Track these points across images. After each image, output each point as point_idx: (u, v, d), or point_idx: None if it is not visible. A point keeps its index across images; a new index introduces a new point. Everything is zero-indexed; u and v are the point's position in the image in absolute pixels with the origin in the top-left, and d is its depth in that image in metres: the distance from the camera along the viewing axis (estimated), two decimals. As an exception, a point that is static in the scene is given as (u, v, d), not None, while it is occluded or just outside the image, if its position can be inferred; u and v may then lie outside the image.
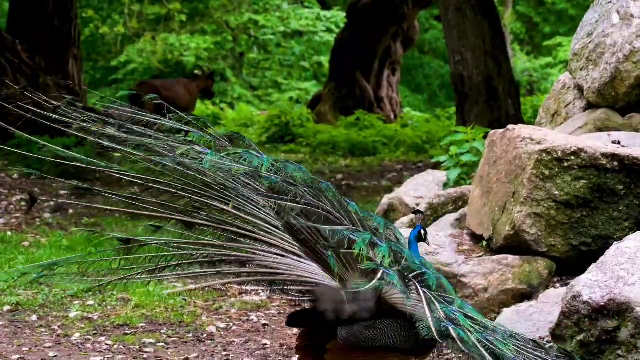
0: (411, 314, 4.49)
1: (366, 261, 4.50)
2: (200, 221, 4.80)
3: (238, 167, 4.77)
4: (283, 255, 4.70)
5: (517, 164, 6.44)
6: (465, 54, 16.27)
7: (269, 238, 4.74)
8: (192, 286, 5.16)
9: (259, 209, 4.75)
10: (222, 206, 4.78)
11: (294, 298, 4.81)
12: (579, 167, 6.29)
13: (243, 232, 4.76)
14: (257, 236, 4.75)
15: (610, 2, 7.86)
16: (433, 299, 4.49)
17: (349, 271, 4.58)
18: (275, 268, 4.72)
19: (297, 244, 4.67)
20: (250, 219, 4.75)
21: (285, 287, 4.75)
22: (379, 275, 4.47)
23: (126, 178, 4.84)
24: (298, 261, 4.68)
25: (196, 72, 19.38)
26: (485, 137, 7.56)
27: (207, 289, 5.36)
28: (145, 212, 4.85)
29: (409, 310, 4.49)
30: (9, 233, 9.92)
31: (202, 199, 4.80)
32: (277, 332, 6.98)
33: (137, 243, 4.81)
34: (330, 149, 20.34)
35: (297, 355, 4.85)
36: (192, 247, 4.77)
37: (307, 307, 4.82)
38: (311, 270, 4.65)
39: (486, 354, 4.37)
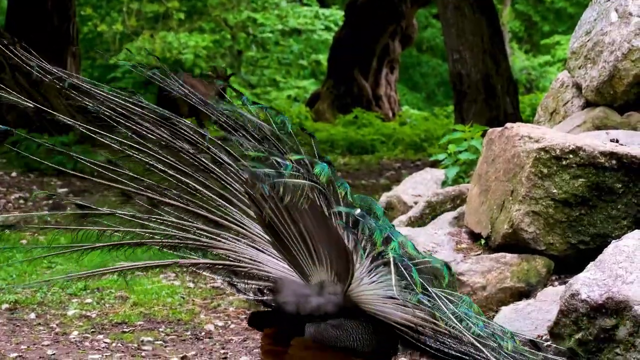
0: (374, 312, 4.37)
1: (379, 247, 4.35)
2: (169, 200, 4.67)
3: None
4: (251, 246, 4.55)
5: (515, 162, 6.44)
6: (464, 52, 16.27)
7: (238, 225, 4.59)
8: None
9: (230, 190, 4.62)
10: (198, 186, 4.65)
11: (252, 298, 4.64)
12: (577, 165, 6.29)
13: (211, 216, 4.62)
14: (226, 222, 4.60)
15: (609, 0, 7.86)
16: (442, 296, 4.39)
17: (315, 265, 4.39)
18: (239, 258, 4.57)
19: (266, 235, 4.46)
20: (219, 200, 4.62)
21: (248, 281, 4.61)
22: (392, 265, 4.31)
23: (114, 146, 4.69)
24: (263, 252, 4.53)
25: (209, 72, 19.50)
26: (483, 135, 7.56)
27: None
28: (114, 184, 4.72)
29: (372, 309, 4.37)
30: (6, 231, 9.90)
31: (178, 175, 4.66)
32: (275, 330, 6.97)
33: (94, 211, 4.71)
34: (328, 147, 20.34)
35: (262, 358, 4.70)
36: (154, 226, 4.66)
37: (268, 307, 4.65)
38: (276, 264, 4.50)
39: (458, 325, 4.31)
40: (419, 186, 9.38)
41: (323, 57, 32.23)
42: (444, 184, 9.14)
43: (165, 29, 32.69)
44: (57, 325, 7.01)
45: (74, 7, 18.81)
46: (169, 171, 4.69)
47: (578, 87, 8.04)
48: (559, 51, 32.42)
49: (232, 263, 4.61)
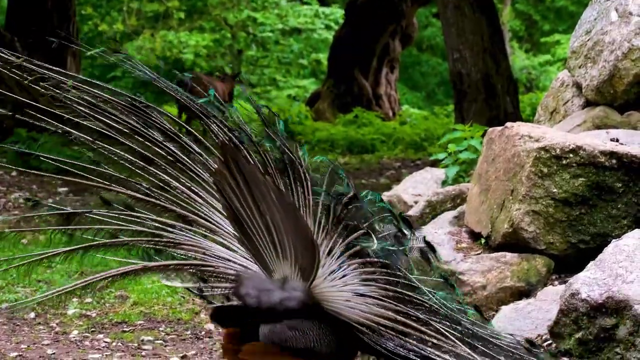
0: (336, 311, 4.24)
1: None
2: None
3: None
4: (219, 243, 4.42)
5: (515, 162, 6.44)
6: (464, 51, 16.27)
7: (207, 220, 4.46)
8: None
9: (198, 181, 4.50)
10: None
11: (220, 305, 4.48)
12: (577, 164, 6.29)
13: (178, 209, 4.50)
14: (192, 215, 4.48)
15: (609, -1, 7.87)
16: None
17: (280, 260, 4.23)
18: (207, 256, 4.43)
19: (233, 229, 4.32)
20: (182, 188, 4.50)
21: (216, 285, 4.47)
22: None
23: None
24: (231, 249, 4.40)
25: (217, 73, 19.76)
26: (483, 134, 7.56)
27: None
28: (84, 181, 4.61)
29: (334, 307, 4.24)
30: (7, 230, 9.89)
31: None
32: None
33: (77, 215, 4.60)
34: (328, 147, 20.34)
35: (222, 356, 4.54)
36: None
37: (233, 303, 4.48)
38: (242, 260, 4.36)
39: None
40: (419, 185, 9.38)
41: (323, 56, 32.24)
42: (444, 183, 9.14)
43: (166, 28, 32.71)
44: (57, 324, 7.01)
45: (73, 6, 18.82)
46: (139, 162, 4.55)
47: (578, 86, 8.04)
48: (559, 50, 32.43)
49: (201, 263, 4.47)
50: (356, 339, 4.31)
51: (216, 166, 4.12)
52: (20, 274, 4.79)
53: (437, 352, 4.24)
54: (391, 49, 25.69)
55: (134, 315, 7.22)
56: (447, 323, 4.30)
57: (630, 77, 7.47)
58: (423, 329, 4.27)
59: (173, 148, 4.54)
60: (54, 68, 4.63)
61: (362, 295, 4.27)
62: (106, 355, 6.33)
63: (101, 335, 6.75)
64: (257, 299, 4.21)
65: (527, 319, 5.77)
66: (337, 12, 32.98)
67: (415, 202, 8.67)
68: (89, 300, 7.59)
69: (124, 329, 6.94)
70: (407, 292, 4.30)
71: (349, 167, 17.54)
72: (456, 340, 4.26)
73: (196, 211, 4.51)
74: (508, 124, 6.72)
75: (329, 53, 26.88)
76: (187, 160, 4.54)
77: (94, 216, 4.59)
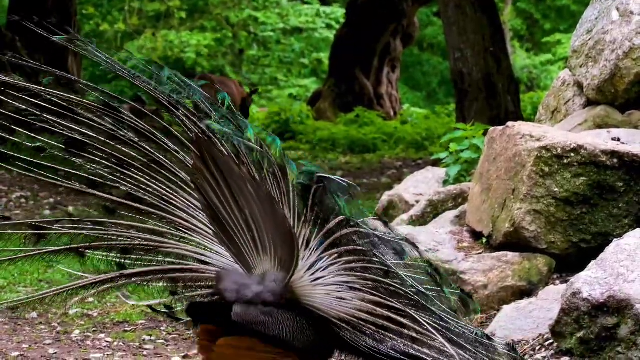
0: (315, 307, 4.15)
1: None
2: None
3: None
4: (198, 243, 4.31)
5: (516, 161, 6.44)
6: (465, 50, 16.27)
7: (185, 220, 4.32)
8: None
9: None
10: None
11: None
12: (578, 164, 6.29)
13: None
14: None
15: (610, -2, 7.86)
16: None
17: (260, 255, 4.16)
18: (186, 258, 4.33)
19: (211, 226, 4.21)
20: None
21: (192, 293, 4.37)
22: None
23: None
24: (210, 250, 4.30)
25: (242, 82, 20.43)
26: (484, 134, 7.55)
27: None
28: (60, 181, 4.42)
29: (313, 302, 4.15)
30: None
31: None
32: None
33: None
34: (330, 146, 20.35)
35: (200, 355, 4.44)
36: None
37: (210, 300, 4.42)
38: (221, 259, 4.27)
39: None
40: (421, 185, 9.38)
41: (324, 56, 32.26)
42: (445, 182, 9.14)
43: (167, 28, 32.73)
44: (58, 324, 7.01)
45: (74, 6, 18.83)
46: (115, 166, 4.38)
47: (579, 85, 8.04)
48: (560, 50, 32.45)
49: (179, 267, 4.38)
50: (335, 337, 4.25)
51: (192, 162, 4.05)
52: None
53: (416, 347, 4.17)
54: (392, 48, 25.70)
55: (136, 314, 7.22)
56: (426, 313, 4.21)
57: (632, 76, 7.46)
58: (403, 321, 4.18)
59: (148, 148, 4.37)
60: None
61: (341, 288, 4.19)
62: (107, 354, 6.34)
63: (103, 335, 6.75)
64: (236, 293, 4.15)
65: (528, 318, 5.77)
66: (338, 12, 33.00)
67: (417, 202, 8.67)
68: (90, 299, 7.59)
69: (126, 329, 6.94)
70: (386, 280, 4.20)
71: (351, 166, 17.54)
72: (433, 332, 4.17)
73: (174, 213, 4.37)
74: (509, 123, 6.72)
75: (330, 52, 26.89)
76: (164, 159, 4.38)
77: (65, 226, 4.42)
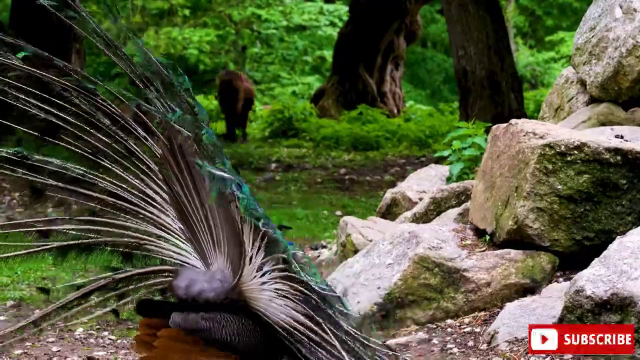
0: (260, 310, 4.13)
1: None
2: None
3: None
4: (172, 243, 4.29)
5: (520, 159, 6.43)
6: (469, 48, 16.27)
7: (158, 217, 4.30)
8: None
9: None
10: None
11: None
12: (582, 161, 6.28)
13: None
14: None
15: (613, -4, 7.86)
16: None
17: (216, 252, 4.14)
18: (163, 254, 4.31)
19: (179, 222, 4.20)
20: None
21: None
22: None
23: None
24: (184, 249, 4.28)
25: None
26: (488, 131, 7.55)
27: None
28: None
29: (258, 305, 4.13)
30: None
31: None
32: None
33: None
34: (333, 144, 20.35)
35: (139, 352, 4.36)
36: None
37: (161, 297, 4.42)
38: (190, 255, 4.25)
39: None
40: (424, 182, 9.38)
41: (328, 53, 32.25)
42: (448, 180, 9.13)
43: (170, 25, 32.74)
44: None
45: (77, 3, 18.82)
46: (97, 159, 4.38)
47: (582, 83, 8.03)
48: (563, 47, 32.44)
49: (161, 268, 4.37)
50: (280, 343, 4.22)
51: (160, 151, 4.06)
52: None
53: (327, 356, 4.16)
54: (396, 45, 25.69)
55: (139, 312, 7.22)
56: (332, 326, 4.20)
57: (635, 73, 7.46)
58: (325, 336, 4.17)
59: (124, 137, 4.34)
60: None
61: (282, 297, 4.16)
62: (111, 352, 6.34)
63: (106, 333, 6.75)
64: (185, 290, 4.13)
65: (531, 315, 5.77)
66: (342, 9, 33.00)
67: (420, 199, 8.67)
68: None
69: (129, 327, 6.94)
70: (313, 296, 4.18)
71: (354, 163, 17.54)
72: (335, 341, 4.17)
73: (147, 207, 4.34)
74: (512, 120, 6.72)
75: (333, 50, 26.89)
76: (139, 151, 4.33)
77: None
